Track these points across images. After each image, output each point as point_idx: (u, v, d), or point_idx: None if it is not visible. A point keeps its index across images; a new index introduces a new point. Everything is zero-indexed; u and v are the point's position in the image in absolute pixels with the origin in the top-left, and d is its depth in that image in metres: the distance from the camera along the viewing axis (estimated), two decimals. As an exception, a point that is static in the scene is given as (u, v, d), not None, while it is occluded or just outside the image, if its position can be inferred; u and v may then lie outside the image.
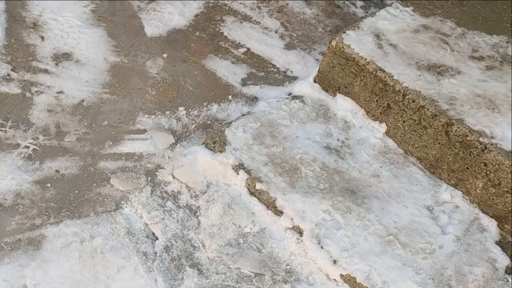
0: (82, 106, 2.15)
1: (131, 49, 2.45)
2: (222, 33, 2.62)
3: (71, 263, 1.64)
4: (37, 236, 1.70)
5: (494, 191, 1.81)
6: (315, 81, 2.24)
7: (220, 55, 2.50)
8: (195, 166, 1.94)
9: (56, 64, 2.30)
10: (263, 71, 2.46)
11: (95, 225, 1.75)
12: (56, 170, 1.91)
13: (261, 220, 1.82)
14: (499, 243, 1.80)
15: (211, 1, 2.79)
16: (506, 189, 1.78)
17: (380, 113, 2.06)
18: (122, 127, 2.11)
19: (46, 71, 2.26)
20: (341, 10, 2.90)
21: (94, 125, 2.09)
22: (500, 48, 2.14)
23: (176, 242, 1.74)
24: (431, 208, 1.85)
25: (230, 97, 2.31)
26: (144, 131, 2.10)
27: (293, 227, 1.78)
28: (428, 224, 1.80)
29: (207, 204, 1.84)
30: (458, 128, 1.83)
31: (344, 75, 2.12)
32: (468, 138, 1.81)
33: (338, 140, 2.03)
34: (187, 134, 2.12)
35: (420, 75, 1.99)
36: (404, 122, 1.99)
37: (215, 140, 1.96)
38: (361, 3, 2.97)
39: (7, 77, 2.20)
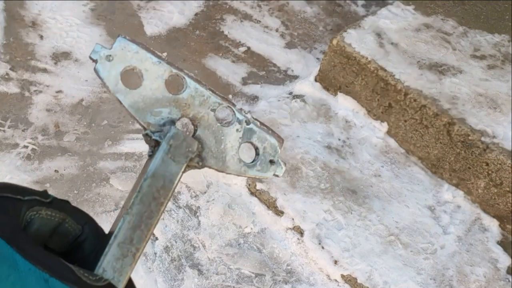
0: (82, 105, 2.14)
1: (131, 48, 2.44)
2: (222, 32, 2.61)
3: (70, 263, 1.63)
4: (36, 236, 1.69)
5: (495, 191, 1.80)
6: (316, 80, 2.23)
7: (220, 54, 2.49)
8: (195, 166, 1.93)
9: (55, 63, 2.29)
10: (264, 70, 2.45)
11: (95, 225, 1.75)
12: (55, 170, 1.90)
13: (262, 220, 1.81)
14: (500, 243, 1.79)
15: (211, 0, 2.78)
16: (507, 189, 1.77)
17: (382, 112, 2.05)
18: (122, 126, 2.10)
19: (45, 70, 2.25)
20: (342, 9, 2.89)
21: (93, 125, 2.08)
22: (501, 47, 2.13)
23: (176, 242, 1.73)
24: (432, 208, 1.84)
25: (230, 96, 2.30)
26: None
27: (294, 227, 1.77)
28: (430, 224, 1.79)
29: (207, 204, 1.83)
30: (460, 127, 1.81)
31: (345, 74, 2.10)
32: (469, 138, 1.80)
33: (339, 139, 2.02)
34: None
35: (421, 74, 1.97)
36: (405, 121, 1.97)
37: (215, 139, 1.95)
38: (362, 1, 2.95)
39: (6, 76, 2.18)
